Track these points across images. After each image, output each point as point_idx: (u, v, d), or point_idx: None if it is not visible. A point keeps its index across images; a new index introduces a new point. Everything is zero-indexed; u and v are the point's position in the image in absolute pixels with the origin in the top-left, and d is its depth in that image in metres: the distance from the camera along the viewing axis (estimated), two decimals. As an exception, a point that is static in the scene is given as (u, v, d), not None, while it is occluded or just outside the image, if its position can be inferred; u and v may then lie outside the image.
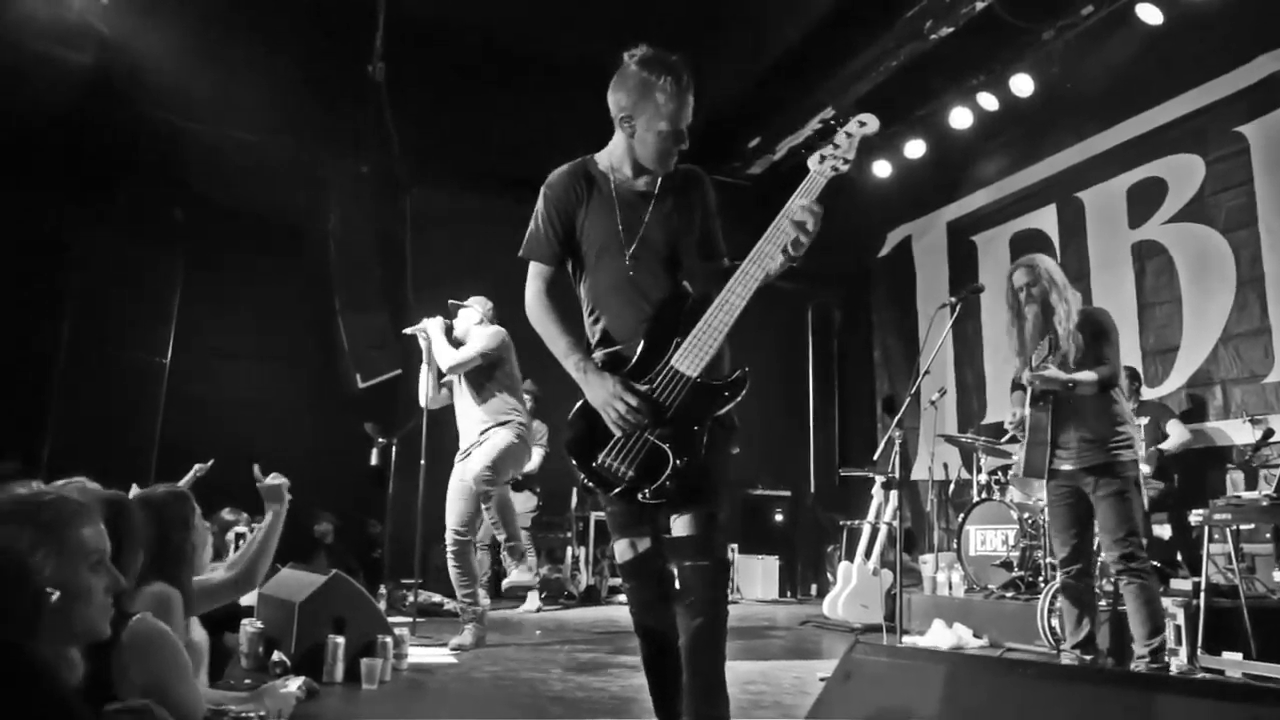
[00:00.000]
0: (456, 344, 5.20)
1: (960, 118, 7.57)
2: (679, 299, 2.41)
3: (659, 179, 2.49)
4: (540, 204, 2.51)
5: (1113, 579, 4.53)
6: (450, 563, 4.99)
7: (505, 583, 5.16)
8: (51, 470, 3.89)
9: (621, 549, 2.48)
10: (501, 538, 5.04)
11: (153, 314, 8.01)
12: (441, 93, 7.98)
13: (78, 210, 7.38)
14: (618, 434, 2.33)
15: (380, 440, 8.21)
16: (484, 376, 5.06)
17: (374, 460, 8.28)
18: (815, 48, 7.55)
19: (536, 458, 7.08)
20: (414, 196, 8.47)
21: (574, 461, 2.40)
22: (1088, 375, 3.91)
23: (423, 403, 5.30)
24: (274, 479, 3.10)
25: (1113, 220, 6.99)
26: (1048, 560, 5.52)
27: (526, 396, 7.02)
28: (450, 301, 5.36)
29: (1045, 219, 7.57)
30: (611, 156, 2.50)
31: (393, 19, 6.91)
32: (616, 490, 2.35)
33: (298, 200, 7.74)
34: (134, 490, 2.94)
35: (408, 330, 5.34)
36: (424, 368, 5.18)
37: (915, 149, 8.11)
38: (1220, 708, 1.29)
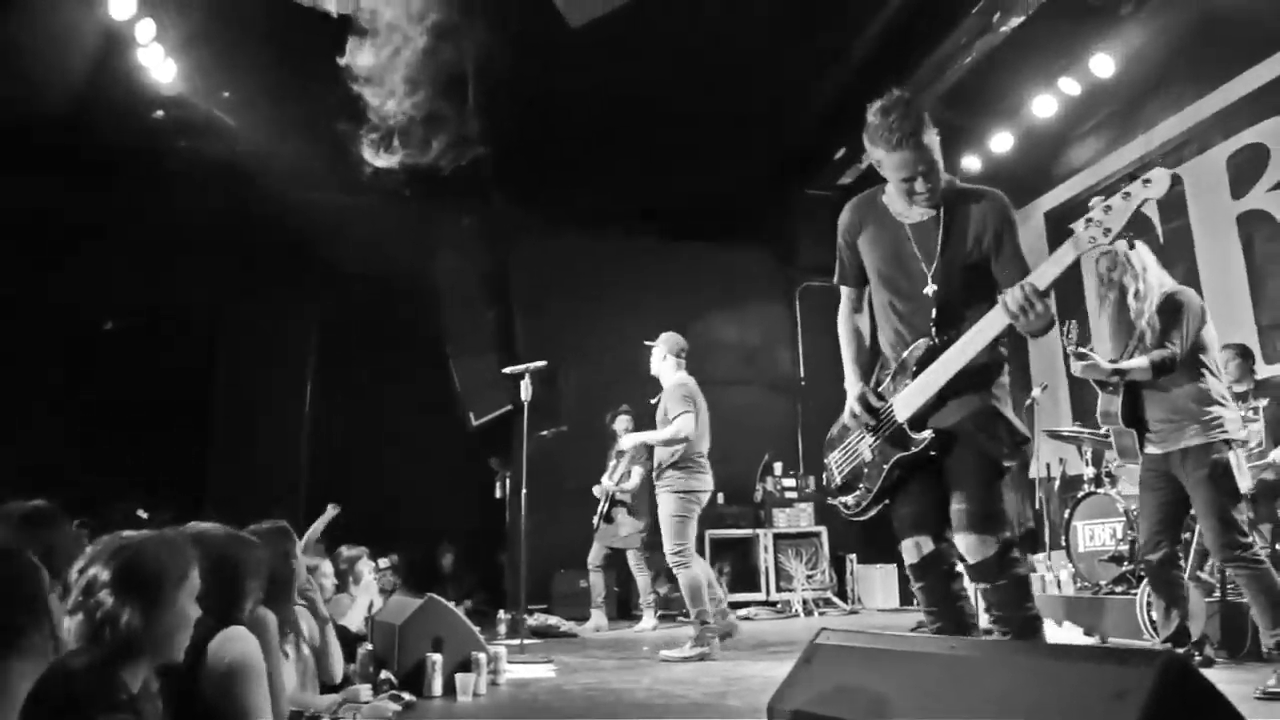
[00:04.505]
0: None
1: (1044, 105, 7.42)
2: (934, 337, 2.49)
3: (935, 208, 2.50)
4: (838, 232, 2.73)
5: (1217, 569, 4.38)
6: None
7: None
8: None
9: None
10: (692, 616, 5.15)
11: (292, 372, 8.84)
12: (538, 140, 8.38)
13: (224, 284, 8.28)
14: (850, 438, 2.62)
15: (504, 474, 8.68)
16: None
17: (498, 493, 8.78)
18: (888, 51, 7.59)
19: (636, 477, 7.25)
20: (518, 240, 8.97)
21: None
22: (1138, 362, 3.84)
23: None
24: None
25: (1214, 192, 6.68)
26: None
27: (625, 417, 7.30)
28: (645, 343, 5.51)
29: (1145, 198, 7.27)
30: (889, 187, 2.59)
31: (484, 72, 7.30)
32: (831, 488, 2.68)
33: (410, 255, 8.36)
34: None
35: (507, 370, 5.68)
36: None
37: (1002, 142, 7.97)
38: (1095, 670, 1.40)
